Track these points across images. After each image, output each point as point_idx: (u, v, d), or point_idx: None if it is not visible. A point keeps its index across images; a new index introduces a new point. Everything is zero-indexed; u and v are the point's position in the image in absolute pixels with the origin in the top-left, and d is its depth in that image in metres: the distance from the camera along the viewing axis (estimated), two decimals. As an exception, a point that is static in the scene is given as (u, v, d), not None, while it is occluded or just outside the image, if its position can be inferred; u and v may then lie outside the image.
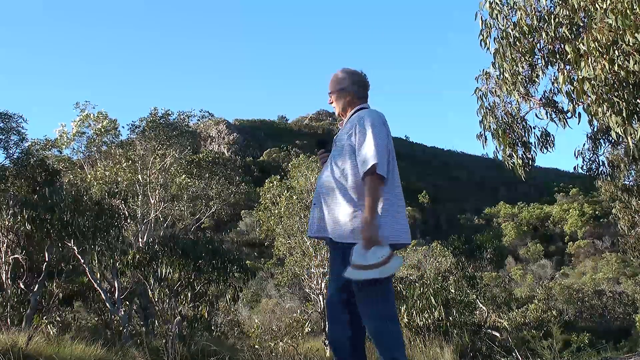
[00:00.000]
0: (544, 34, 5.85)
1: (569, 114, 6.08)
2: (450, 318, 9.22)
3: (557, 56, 6.01)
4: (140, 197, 15.83)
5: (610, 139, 7.20)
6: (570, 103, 5.65)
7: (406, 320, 8.83)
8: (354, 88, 3.05)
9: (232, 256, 11.10)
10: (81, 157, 17.95)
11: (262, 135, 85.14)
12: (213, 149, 57.84)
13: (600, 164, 8.34)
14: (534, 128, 6.77)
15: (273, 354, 6.85)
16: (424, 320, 8.93)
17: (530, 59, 6.12)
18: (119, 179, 15.63)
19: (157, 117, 16.94)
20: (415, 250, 19.59)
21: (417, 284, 10.32)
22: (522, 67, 6.16)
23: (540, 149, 6.75)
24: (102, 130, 17.16)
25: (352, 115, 3.00)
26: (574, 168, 8.03)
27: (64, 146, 17.13)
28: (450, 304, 9.57)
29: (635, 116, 5.27)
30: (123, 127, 18.40)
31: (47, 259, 10.12)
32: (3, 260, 9.74)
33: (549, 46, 6.01)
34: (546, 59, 6.18)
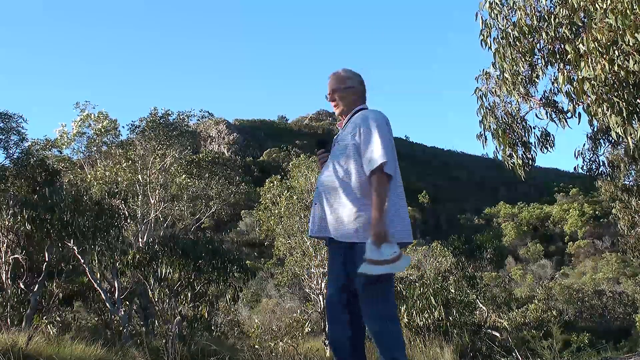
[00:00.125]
0: (543, 34, 5.85)
1: (569, 114, 6.08)
2: (450, 318, 9.22)
3: (557, 56, 6.01)
4: (140, 197, 15.82)
5: (610, 139, 7.19)
6: (570, 103, 5.65)
7: (406, 320, 8.83)
8: (360, 88, 3.06)
9: (232, 256, 11.09)
10: (81, 157, 17.96)
11: (262, 135, 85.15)
12: (213, 149, 57.78)
13: (600, 164, 8.34)
14: (534, 128, 6.77)
15: (273, 354, 6.85)
16: (424, 320, 8.93)
17: (530, 59, 6.12)
18: (119, 179, 15.63)
19: (157, 117, 16.93)
20: (415, 250, 19.57)
21: (417, 284, 10.31)
22: (522, 67, 6.15)
23: (540, 149, 6.75)
24: (102, 130, 17.17)
25: (354, 114, 2.99)
26: (574, 168, 8.03)
27: (64, 146, 17.15)
28: (450, 304, 9.56)
29: (635, 116, 5.26)
30: (123, 127, 18.41)
31: (47, 259, 10.12)
32: (3, 260, 9.74)
33: (549, 46, 6.01)
34: (546, 59, 6.18)
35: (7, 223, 9.51)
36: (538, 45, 6.11)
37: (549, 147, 6.73)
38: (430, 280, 10.82)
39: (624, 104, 5.14)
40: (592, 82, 5.08)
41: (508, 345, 8.69)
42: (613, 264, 39.35)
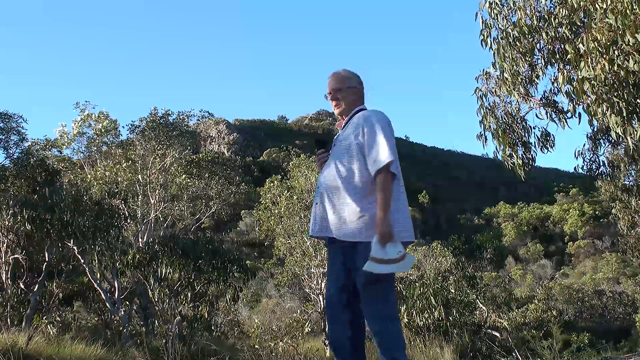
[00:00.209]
0: (544, 34, 5.85)
1: (569, 114, 6.08)
2: (450, 318, 9.22)
3: (557, 56, 6.01)
4: (140, 197, 15.82)
5: (610, 139, 7.19)
6: (570, 103, 5.65)
7: (406, 320, 8.84)
8: (360, 88, 3.07)
9: (232, 256, 11.09)
10: (81, 157, 17.96)
11: (262, 135, 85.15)
12: (213, 149, 57.79)
13: (600, 164, 8.34)
14: (534, 128, 6.77)
15: (273, 354, 6.85)
16: (424, 320, 8.93)
17: (530, 59, 6.12)
18: (119, 179, 15.62)
19: (157, 117, 16.92)
20: (415, 250, 19.57)
21: (417, 284, 10.31)
22: (522, 67, 6.16)
23: (541, 149, 6.75)
24: (103, 130, 17.17)
25: (355, 114, 2.99)
26: (574, 168, 8.03)
27: (64, 146, 17.15)
28: (450, 304, 9.56)
29: (635, 116, 5.26)
30: (123, 127, 18.40)
31: (47, 259, 10.12)
32: (3, 260, 9.74)
33: (549, 46, 6.01)
34: (546, 59, 6.18)
35: (7, 223, 9.52)
36: (538, 45, 6.11)
37: (549, 147, 6.73)
38: (430, 280, 10.81)
39: (624, 104, 5.14)
40: (592, 82, 5.08)
41: (508, 345, 8.69)
42: (613, 264, 39.34)
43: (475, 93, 6.74)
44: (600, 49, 4.91)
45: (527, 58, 6.05)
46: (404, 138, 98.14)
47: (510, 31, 6.01)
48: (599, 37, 4.88)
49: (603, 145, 7.98)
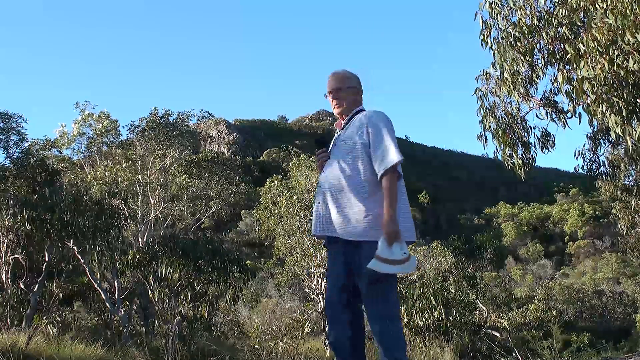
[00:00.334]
0: (544, 34, 5.85)
1: (569, 114, 6.09)
2: (450, 318, 9.22)
3: (557, 56, 6.01)
4: (140, 197, 15.82)
5: (610, 139, 7.19)
6: (570, 103, 5.66)
7: (406, 320, 8.83)
8: (360, 88, 3.08)
9: (232, 256, 11.09)
10: (81, 157, 17.96)
11: (262, 135, 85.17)
12: (213, 149, 57.80)
13: (600, 164, 8.34)
14: (534, 128, 6.78)
15: (273, 354, 6.84)
16: (424, 320, 8.93)
17: (530, 59, 6.12)
18: (119, 179, 15.62)
19: (157, 117, 16.92)
20: (415, 250, 19.58)
21: (417, 284, 10.30)
22: (522, 67, 6.15)
23: (541, 149, 6.75)
24: (103, 130, 17.16)
25: (355, 114, 2.99)
26: (574, 168, 8.03)
27: (64, 146, 17.14)
28: (450, 304, 9.56)
29: (635, 116, 5.26)
30: (123, 127, 18.40)
31: (47, 259, 10.12)
32: (3, 260, 9.74)
33: (549, 46, 6.01)
34: (546, 59, 6.18)
35: (7, 223, 9.51)
36: (538, 45, 6.11)
37: (549, 147, 6.74)
38: (430, 280, 10.81)
39: (624, 103, 5.14)
40: (592, 81, 5.08)
41: (508, 345, 8.69)
42: (613, 264, 39.35)
43: (475, 93, 6.74)
44: (600, 48, 4.91)
45: (527, 58, 6.05)
46: (404, 138, 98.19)
47: (510, 31, 6.01)
48: (598, 37, 4.88)
49: (603, 145, 7.98)
